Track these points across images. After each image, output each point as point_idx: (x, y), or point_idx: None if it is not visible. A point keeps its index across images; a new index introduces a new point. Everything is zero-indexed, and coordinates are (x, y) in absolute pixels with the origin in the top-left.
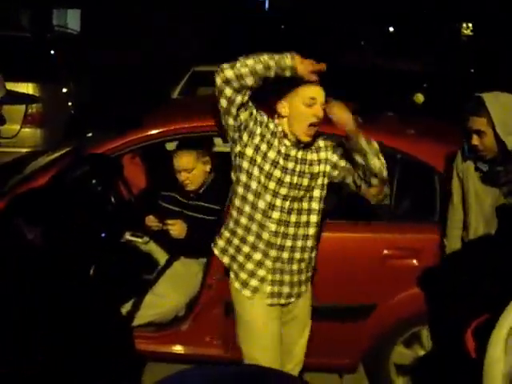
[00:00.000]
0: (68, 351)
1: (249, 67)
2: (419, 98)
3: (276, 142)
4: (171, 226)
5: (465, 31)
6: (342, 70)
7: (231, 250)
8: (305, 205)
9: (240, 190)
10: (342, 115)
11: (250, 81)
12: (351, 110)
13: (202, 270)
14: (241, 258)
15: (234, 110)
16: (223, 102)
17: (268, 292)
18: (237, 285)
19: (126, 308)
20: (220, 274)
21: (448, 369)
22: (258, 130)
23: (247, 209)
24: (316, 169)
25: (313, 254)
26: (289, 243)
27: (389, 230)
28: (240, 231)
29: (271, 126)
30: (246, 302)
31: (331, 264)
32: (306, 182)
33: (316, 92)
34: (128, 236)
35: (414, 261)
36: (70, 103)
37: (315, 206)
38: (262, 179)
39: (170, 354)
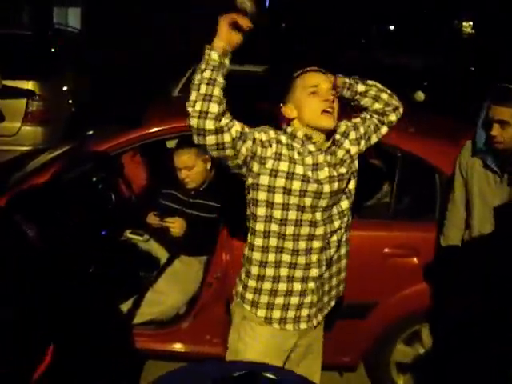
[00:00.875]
0: (68, 351)
1: (203, 91)
2: (420, 95)
3: (296, 155)
4: (171, 224)
5: (466, 29)
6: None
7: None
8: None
9: (261, 225)
10: None
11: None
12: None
13: (202, 268)
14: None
15: (229, 151)
16: (213, 151)
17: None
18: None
19: (126, 306)
20: (220, 273)
21: (448, 366)
22: (269, 152)
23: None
24: (347, 163)
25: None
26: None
27: (390, 229)
28: (277, 271)
29: (283, 138)
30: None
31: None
32: (343, 184)
33: (316, 78)
34: (128, 234)
35: (415, 259)
36: (70, 101)
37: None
38: (293, 200)
39: (170, 352)
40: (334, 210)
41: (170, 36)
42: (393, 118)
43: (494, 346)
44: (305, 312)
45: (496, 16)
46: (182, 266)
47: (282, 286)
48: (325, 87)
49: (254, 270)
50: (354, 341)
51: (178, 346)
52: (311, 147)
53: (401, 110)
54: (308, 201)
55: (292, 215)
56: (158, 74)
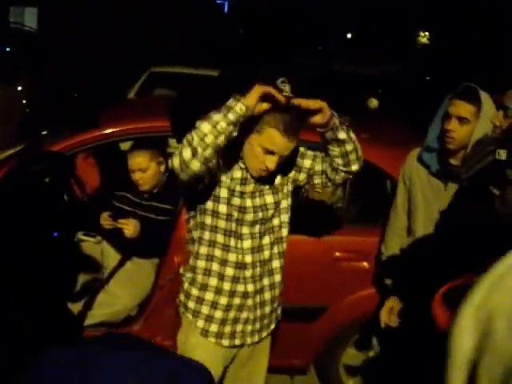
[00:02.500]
0: (16, 348)
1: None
2: (373, 102)
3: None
4: (124, 226)
5: (421, 39)
6: (301, 72)
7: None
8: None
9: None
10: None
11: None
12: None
13: (154, 270)
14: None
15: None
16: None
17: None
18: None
19: (77, 307)
20: (172, 275)
21: (397, 369)
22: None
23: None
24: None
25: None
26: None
27: (340, 233)
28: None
29: None
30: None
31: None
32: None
33: (277, 142)
34: (80, 235)
35: (365, 263)
36: (24, 101)
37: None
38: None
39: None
40: (265, 226)
41: (129, 37)
42: (338, 180)
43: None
44: (239, 328)
45: (452, 26)
46: (134, 267)
47: (223, 300)
48: (275, 158)
49: (199, 278)
50: (305, 344)
51: None
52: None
53: (351, 176)
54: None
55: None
56: (115, 76)
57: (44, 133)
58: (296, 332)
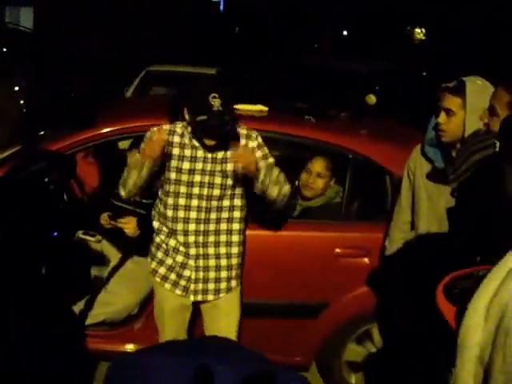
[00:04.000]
0: (17, 351)
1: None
2: (371, 98)
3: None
4: (125, 225)
5: (418, 35)
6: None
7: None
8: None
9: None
10: (245, 165)
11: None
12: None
13: None
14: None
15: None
16: None
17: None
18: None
19: (78, 306)
20: None
21: (399, 364)
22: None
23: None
24: (229, 167)
25: (232, 250)
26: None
27: (340, 229)
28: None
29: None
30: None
31: (284, 262)
32: (218, 180)
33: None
34: (80, 234)
35: (366, 259)
36: (21, 101)
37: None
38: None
39: (122, 353)
40: (213, 203)
41: (124, 37)
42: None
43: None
44: (183, 283)
45: (448, 22)
46: (135, 266)
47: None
48: None
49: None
50: (306, 340)
51: (130, 347)
52: (195, 143)
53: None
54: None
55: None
56: (111, 75)
57: (42, 133)
58: (297, 329)
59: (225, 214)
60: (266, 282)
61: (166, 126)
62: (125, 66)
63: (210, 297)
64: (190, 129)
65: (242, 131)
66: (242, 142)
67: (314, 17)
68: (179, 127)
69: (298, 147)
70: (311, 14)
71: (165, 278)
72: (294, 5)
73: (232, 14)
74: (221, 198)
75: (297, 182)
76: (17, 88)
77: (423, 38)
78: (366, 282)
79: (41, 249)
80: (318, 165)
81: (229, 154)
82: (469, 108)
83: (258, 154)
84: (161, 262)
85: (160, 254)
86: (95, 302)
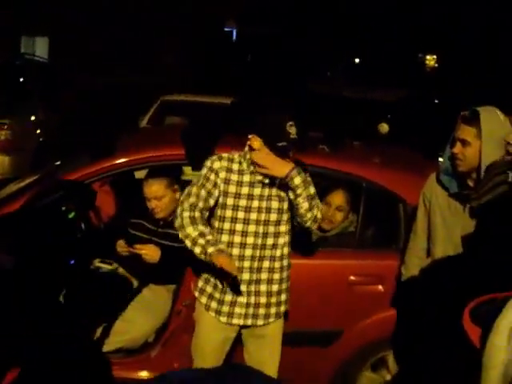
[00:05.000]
0: (38, 376)
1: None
2: (384, 127)
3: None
4: (144, 251)
5: (429, 62)
6: (310, 98)
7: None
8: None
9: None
10: (266, 164)
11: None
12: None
13: (170, 296)
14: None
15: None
16: None
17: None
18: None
19: (95, 335)
20: (189, 301)
21: None
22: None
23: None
24: (284, 192)
25: (283, 275)
26: (255, 264)
27: (355, 257)
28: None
29: (235, 166)
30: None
31: (298, 290)
32: (275, 204)
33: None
34: (97, 263)
35: (380, 287)
36: (38, 131)
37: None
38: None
39: (138, 381)
40: (270, 229)
41: (143, 65)
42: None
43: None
44: (237, 310)
45: (460, 50)
46: (151, 294)
47: (219, 284)
48: None
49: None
50: (321, 368)
51: (146, 374)
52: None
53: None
54: (240, 214)
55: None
56: (128, 104)
57: (58, 163)
58: (312, 356)
59: (281, 240)
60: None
61: (225, 154)
62: (139, 94)
63: (260, 322)
64: (248, 156)
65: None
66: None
67: (326, 44)
68: (237, 155)
69: (312, 176)
70: (323, 42)
71: (212, 309)
72: (304, 32)
73: (245, 43)
74: (277, 223)
75: None
76: (33, 118)
77: (435, 65)
78: (380, 310)
79: (58, 277)
80: (339, 198)
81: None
82: (484, 137)
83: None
84: (210, 296)
85: (209, 289)
86: (111, 331)
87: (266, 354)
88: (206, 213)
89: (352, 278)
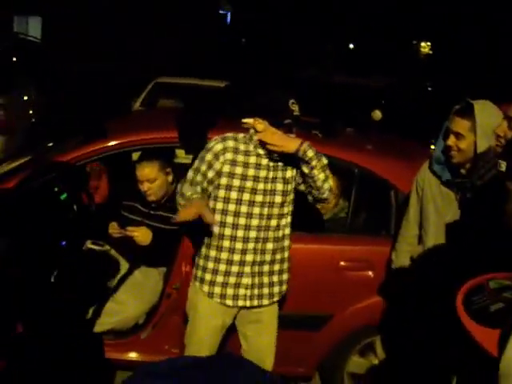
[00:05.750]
0: (27, 359)
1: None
2: (377, 114)
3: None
4: (135, 233)
5: (424, 49)
6: (302, 83)
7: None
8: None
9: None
10: (275, 143)
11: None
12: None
13: (161, 278)
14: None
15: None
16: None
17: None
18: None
19: (86, 315)
20: (179, 284)
21: (402, 377)
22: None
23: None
24: (289, 173)
25: (285, 255)
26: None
27: (345, 243)
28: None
29: (241, 146)
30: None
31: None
32: (280, 186)
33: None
34: (89, 244)
35: (370, 272)
36: (31, 111)
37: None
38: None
39: (128, 362)
40: (274, 211)
41: (132, 49)
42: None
43: (441, 358)
44: (242, 291)
45: (454, 36)
46: (142, 276)
47: (222, 267)
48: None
49: (204, 251)
50: (310, 352)
51: (136, 356)
52: (260, 151)
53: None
54: (246, 195)
55: (232, 206)
56: (119, 86)
57: (50, 144)
58: (301, 340)
59: (283, 221)
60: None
61: (229, 134)
62: (133, 78)
63: (265, 301)
64: (254, 137)
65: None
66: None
67: (320, 29)
68: (241, 136)
69: None
70: (318, 26)
71: (216, 295)
72: (296, 17)
73: (239, 26)
74: (282, 204)
75: None
76: (26, 98)
77: (429, 52)
78: (370, 295)
79: (49, 258)
80: None
81: (288, 159)
82: (479, 130)
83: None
84: (211, 283)
85: (209, 276)
86: (103, 311)
87: (264, 341)
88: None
89: (342, 263)
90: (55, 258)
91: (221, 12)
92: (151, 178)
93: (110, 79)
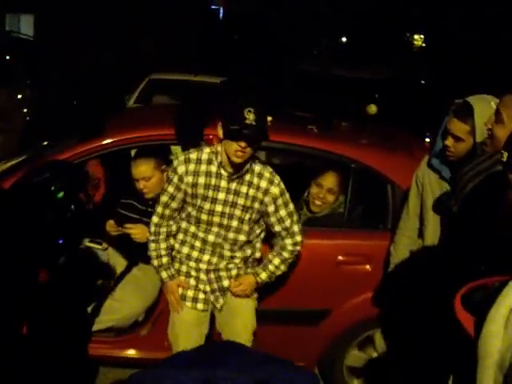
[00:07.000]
0: (25, 358)
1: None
2: (372, 108)
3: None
4: (133, 231)
5: (417, 42)
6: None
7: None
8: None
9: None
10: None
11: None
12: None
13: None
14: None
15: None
16: None
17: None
18: None
19: (85, 314)
20: None
21: (401, 370)
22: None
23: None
24: (249, 203)
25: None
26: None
27: (343, 237)
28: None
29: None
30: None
31: (287, 269)
32: (238, 212)
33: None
34: (87, 242)
35: (367, 266)
36: (25, 110)
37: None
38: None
39: (128, 359)
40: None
41: (121, 47)
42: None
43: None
44: (201, 295)
45: (447, 29)
46: (141, 273)
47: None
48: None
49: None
50: (309, 346)
51: (136, 353)
52: (223, 172)
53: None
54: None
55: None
56: (112, 84)
57: (45, 143)
58: (299, 334)
59: (239, 243)
60: (268, 288)
61: (193, 155)
62: (126, 74)
63: (226, 283)
64: (219, 158)
65: (266, 174)
66: (263, 184)
67: (312, 23)
68: (206, 153)
69: (301, 157)
70: (310, 20)
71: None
72: (290, 11)
73: (231, 21)
74: (238, 230)
75: (306, 194)
76: (20, 96)
77: (423, 44)
78: (368, 289)
79: (47, 256)
80: (330, 181)
81: (251, 191)
82: (478, 133)
83: (279, 201)
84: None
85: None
86: (102, 309)
87: (238, 325)
88: (176, 214)
89: (340, 257)
90: (52, 257)
91: (212, 7)
92: (147, 176)
93: (103, 77)
